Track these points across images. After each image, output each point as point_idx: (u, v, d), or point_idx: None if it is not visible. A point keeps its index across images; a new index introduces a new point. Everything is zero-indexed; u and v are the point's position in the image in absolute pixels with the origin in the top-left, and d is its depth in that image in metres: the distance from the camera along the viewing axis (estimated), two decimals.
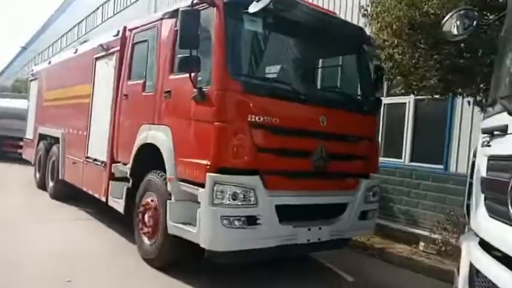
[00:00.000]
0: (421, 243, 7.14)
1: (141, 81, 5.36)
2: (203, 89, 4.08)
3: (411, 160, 7.94)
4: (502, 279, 1.83)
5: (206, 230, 3.90)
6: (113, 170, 5.87)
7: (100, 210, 7.31)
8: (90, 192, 6.64)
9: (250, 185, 3.98)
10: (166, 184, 4.63)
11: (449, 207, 6.66)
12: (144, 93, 5.28)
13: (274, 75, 4.85)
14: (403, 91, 6.07)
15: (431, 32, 4.66)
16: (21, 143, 14.46)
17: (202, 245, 3.94)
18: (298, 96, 4.38)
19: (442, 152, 8.81)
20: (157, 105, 4.91)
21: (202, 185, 4.00)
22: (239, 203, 3.91)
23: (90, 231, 6.28)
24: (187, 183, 4.25)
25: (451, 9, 3.52)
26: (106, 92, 6.35)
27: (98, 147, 6.49)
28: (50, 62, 9.93)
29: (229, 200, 3.87)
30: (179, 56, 4.02)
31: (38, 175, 9.71)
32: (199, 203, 4.03)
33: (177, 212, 4.38)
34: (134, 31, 5.74)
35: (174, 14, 4.60)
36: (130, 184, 5.39)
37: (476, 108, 5.74)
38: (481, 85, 4.82)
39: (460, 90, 5.30)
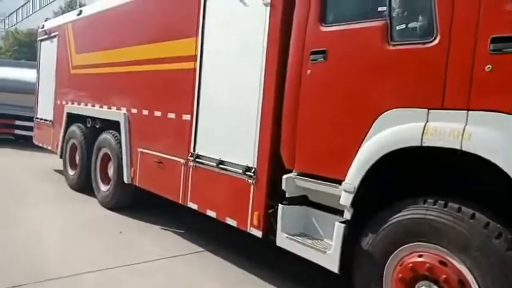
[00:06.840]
0: None
1: (377, 23, 2.78)
2: None
3: None
4: None
5: None
6: (283, 187, 3.32)
7: (196, 228, 4.87)
8: (213, 214, 4.05)
9: None
10: (499, 237, 2.22)
11: None
12: (390, 47, 2.72)
13: None
14: None
15: None
16: (17, 122, 11.78)
17: None
18: None
19: None
20: (459, 70, 2.39)
21: None
22: None
23: (225, 282, 3.72)
24: None
25: None
26: (244, 50, 3.73)
27: (228, 143, 3.89)
28: (80, 13, 6.95)
29: None
30: None
31: (71, 172, 6.92)
32: None
33: None
34: None
35: None
36: (348, 218, 2.90)
37: None
38: None
39: None
